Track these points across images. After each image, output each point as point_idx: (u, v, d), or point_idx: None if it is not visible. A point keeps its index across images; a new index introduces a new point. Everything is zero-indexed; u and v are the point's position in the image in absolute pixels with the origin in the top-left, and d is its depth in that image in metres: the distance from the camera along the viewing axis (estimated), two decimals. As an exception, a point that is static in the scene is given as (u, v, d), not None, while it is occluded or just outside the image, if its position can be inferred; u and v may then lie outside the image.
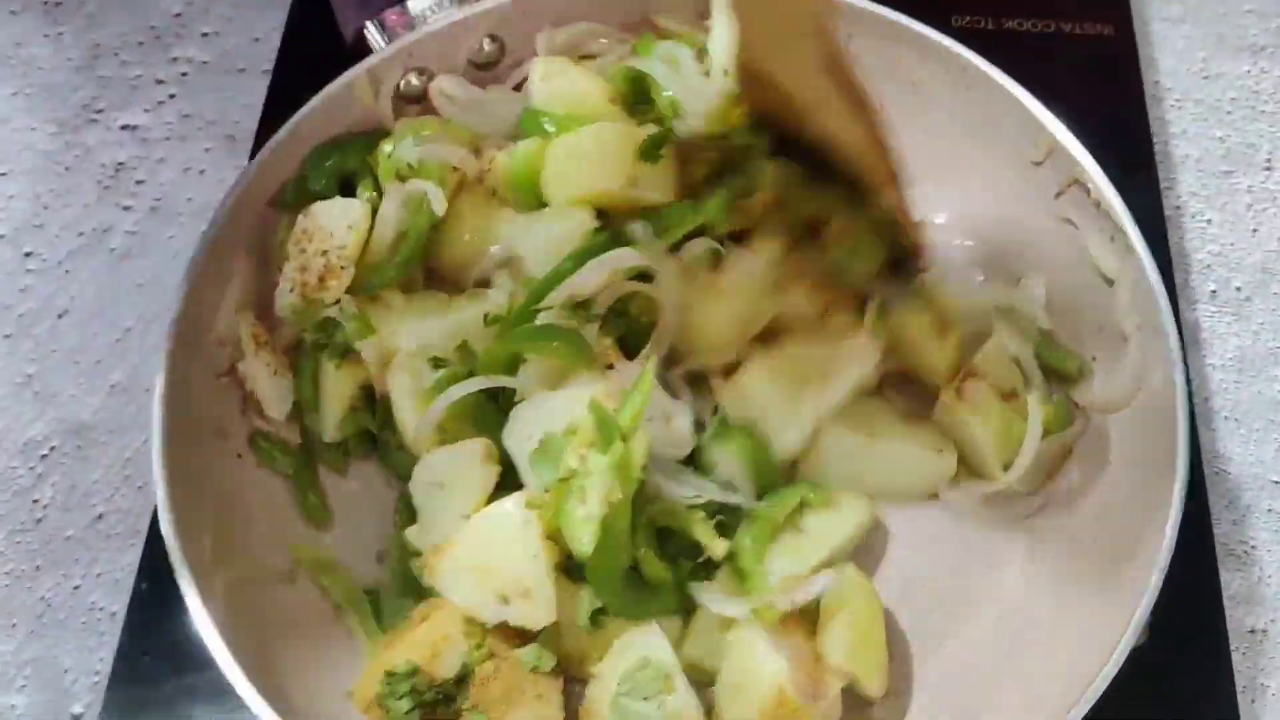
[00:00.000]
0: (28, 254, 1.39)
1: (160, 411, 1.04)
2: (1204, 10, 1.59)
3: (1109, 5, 1.53)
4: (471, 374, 1.12)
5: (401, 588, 1.12)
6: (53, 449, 1.28)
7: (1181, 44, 1.57)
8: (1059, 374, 1.21)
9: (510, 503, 1.04)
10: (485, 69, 1.28)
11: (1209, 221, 1.44)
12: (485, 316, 1.15)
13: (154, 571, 1.16)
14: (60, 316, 1.35)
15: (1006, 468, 1.16)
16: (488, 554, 1.02)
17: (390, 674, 1.01)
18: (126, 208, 1.42)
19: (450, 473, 1.09)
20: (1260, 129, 1.50)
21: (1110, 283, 1.18)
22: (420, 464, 1.11)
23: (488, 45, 1.27)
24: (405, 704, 1.01)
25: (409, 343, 1.14)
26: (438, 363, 1.14)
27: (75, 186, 1.44)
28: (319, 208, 1.17)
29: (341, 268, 1.14)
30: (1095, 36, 1.50)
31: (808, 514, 1.12)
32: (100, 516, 1.25)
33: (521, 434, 1.08)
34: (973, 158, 1.27)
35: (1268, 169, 1.47)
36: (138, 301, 1.36)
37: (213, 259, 1.12)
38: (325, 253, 1.14)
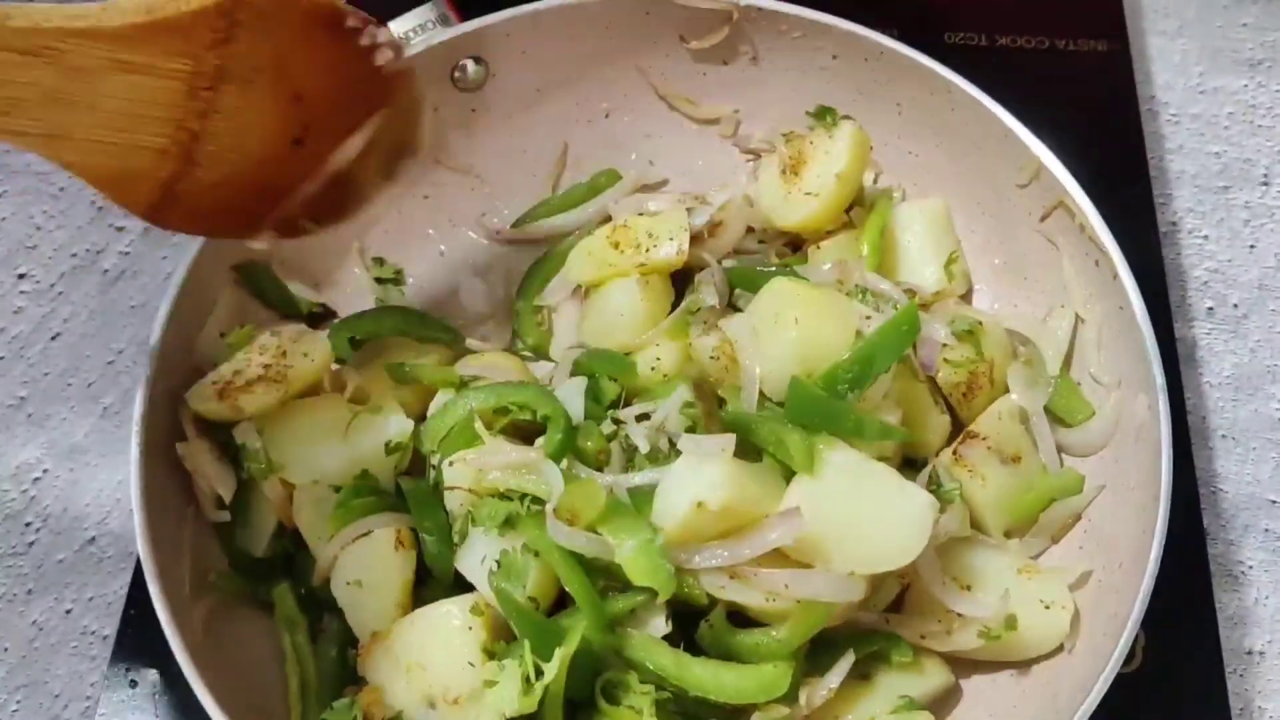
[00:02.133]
0: (21, 275, 1.39)
1: (138, 439, 1.04)
2: (1200, 25, 1.59)
3: (1104, 21, 1.52)
4: (374, 492, 1.10)
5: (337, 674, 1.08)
6: (45, 472, 1.28)
7: (1177, 59, 1.56)
8: (1062, 423, 1.18)
9: (456, 605, 1.01)
10: (469, 91, 1.28)
11: (1205, 238, 1.43)
12: (386, 445, 1.12)
13: (145, 596, 1.16)
14: (53, 339, 1.35)
15: (1008, 533, 1.14)
16: (422, 653, 1.00)
17: None
18: (120, 229, 1.42)
19: (366, 568, 1.06)
20: (1257, 144, 1.50)
21: (1082, 320, 1.18)
22: (334, 568, 1.07)
23: (472, 67, 1.27)
24: None
25: (307, 478, 1.09)
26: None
27: (69, 208, 1.44)
28: (293, 331, 1.15)
29: (274, 385, 1.10)
30: (1090, 52, 1.50)
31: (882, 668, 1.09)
32: (92, 540, 1.25)
33: (475, 554, 1.05)
34: (959, 178, 1.27)
35: (1265, 184, 1.47)
36: (130, 323, 1.36)
37: (195, 285, 1.13)
38: (267, 367, 1.11)
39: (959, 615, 1.05)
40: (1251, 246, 1.43)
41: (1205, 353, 1.36)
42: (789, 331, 1.07)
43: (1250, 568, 1.24)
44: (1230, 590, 1.23)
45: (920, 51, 1.22)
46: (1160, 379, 1.06)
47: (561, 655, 0.96)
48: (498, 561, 1.02)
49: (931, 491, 1.05)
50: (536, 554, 1.01)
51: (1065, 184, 1.15)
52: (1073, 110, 1.39)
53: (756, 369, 1.09)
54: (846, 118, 1.26)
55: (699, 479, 0.99)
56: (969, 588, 1.07)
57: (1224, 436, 1.31)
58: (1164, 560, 0.99)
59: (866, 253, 1.22)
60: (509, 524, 1.03)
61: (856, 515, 1.00)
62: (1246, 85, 1.54)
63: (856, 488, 1.01)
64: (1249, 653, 1.20)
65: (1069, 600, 1.07)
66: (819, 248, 1.25)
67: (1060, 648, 1.08)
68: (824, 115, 1.27)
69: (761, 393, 1.09)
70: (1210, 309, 1.39)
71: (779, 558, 1.00)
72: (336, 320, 1.22)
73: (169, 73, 0.86)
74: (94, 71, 0.82)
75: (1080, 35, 1.50)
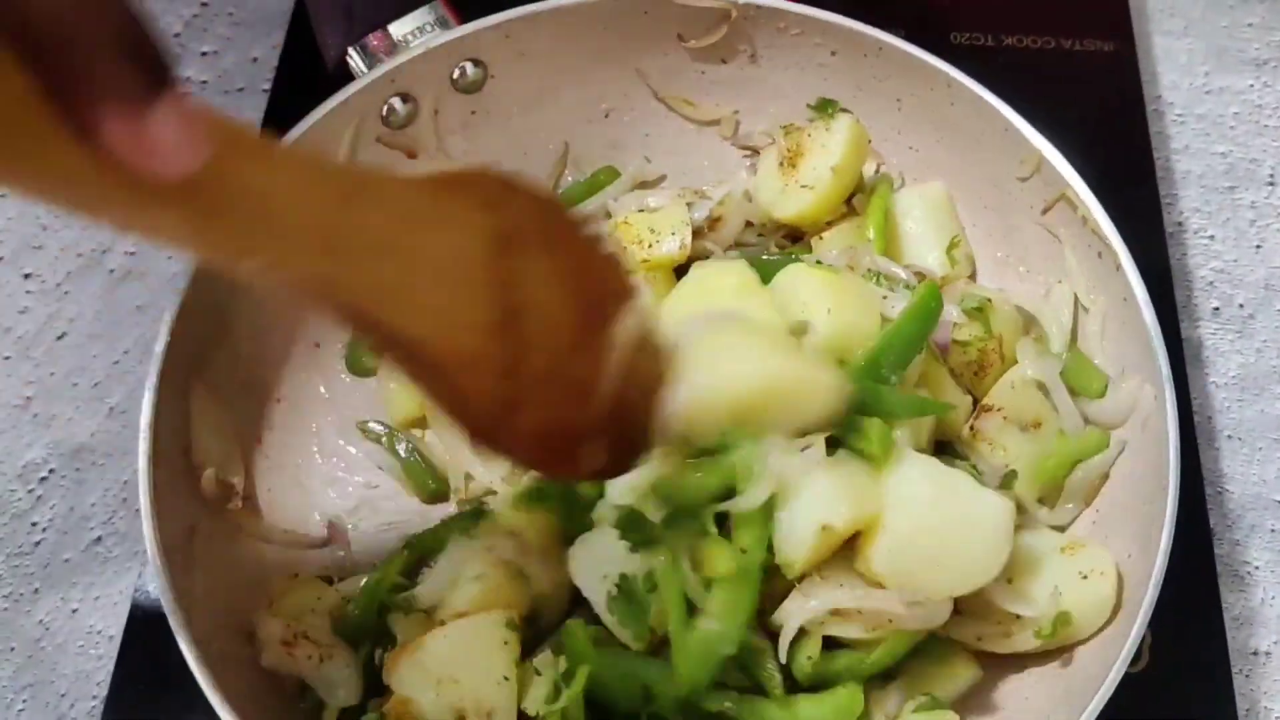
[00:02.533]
0: (26, 275, 1.39)
1: (146, 444, 1.04)
2: (1205, 24, 1.58)
3: (1110, 20, 1.52)
4: None
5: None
6: (51, 472, 1.28)
7: (1183, 59, 1.56)
8: (1079, 394, 1.17)
9: (491, 619, 1.00)
10: (469, 93, 1.28)
11: (1211, 238, 1.43)
12: None
13: (152, 595, 1.16)
14: (59, 338, 1.35)
15: (1041, 500, 1.13)
16: (455, 666, 0.97)
17: None
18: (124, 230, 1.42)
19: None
20: (1263, 144, 1.50)
21: (1085, 310, 1.18)
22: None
23: (471, 70, 1.27)
24: None
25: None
26: None
27: (74, 208, 1.44)
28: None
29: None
30: (1096, 52, 1.49)
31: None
32: (98, 539, 1.25)
33: (593, 568, 1.02)
34: (959, 172, 1.27)
35: (1271, 184, 1.47)
36: (137, 323, 1.36)
37: (201, 285, 1.12)
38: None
39: (1016, 616, 1.04)
40: (1258, 246, 1.42)
41: (1211, 353, 1.36)
42: (820, 320, 1.07)
43: (1256, 568, 1.24)
44: (1236, 590, 1.23)
45: (918, 47, 1.23)
46: (1166, 369, 1.06)
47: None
48: (618, 586, 0.99)
49: (973, 474, 1.05)
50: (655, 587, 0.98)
51: (1066, 176, 1.15)
52: (1079, 110, 1.38)
53: None
54: (845, 111, 1.26)
55: (815, 501, 0.97)
56: (1010, 580, 1.05)
57: (1230, 437, 1.31)
58: (1170, 560, 0.99)
59: (873, 237, 1.22)
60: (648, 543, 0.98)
61: (942, 529, 0.99)
62: (1253, 85, 1.54)
63: (939, 497, 1.00)
64: (1254, 653, 1.20)
65: (1109, 565, 1.06)
66: (821, 238, 1.25)
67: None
68: (824, 107, 1.27)
69: None
70: (1216, 309, 1.38)
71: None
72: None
73: (476, 224, 0.74)
74: (409, 218, 0.71)
75: (1086, 35, 1.50)
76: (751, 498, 0.95)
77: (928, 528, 0.99)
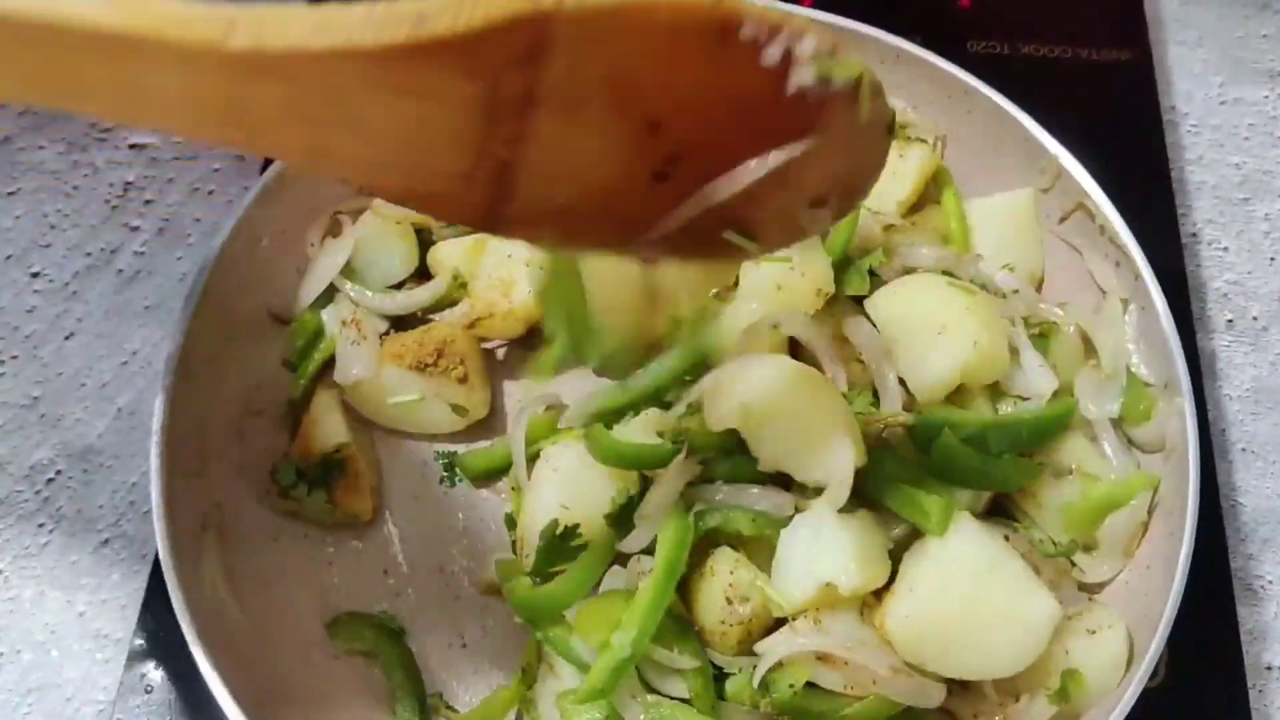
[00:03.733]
0: (35, 274, 1.38)
1: (159, 446, 1.03)
2: (1221, 36, 1.58)
3: (1126, 31, 1.51)
4: None
5: None
6: (59, 473, 1.27)
7: (1198, 69, 1.56)
8: (1125, 419, 1.13)
9: None
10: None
11: (1226, 249, 1.43)
12: None
13: (160, 598, 1.15)
14: (67, 338, 1.34)
15: (1088, 548, 1.09)
16: None
17: None
18: (134, 228, 1.41)
19: None
20: (1278, 155, 1.49)
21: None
22: None
23: None
24: None
25: None
26: None
27: (83, 206, 1.43)
28: None
29: None
30: (1112, 62, 1.49)
31: None
32: (106, 541, 1.24)
33: None
34: (978, 181, 1.26)
35: (1285, 196, 1.46)
36: (145, 323, 1.35)
37: (213, 289, 1.12)
38: None
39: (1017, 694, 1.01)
40: (1272, 259, 1.42)
41: (1225, 365, 1.35)
42: (943, 340, 1.06)
43: (1270, 582, 1.23)
44: (1250, 605, 1.22)
45: (935, 54, 1.22)
46: (1186, 381, 1.06)
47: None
48: None
49: (1028, 544, 1.05)
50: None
51: (1085, 185, 1.15)
52: (1093, 120, 1.38)
53: (892, 377, 1.08)
54: (921, 140, 1.25)
55: (826, 556, 0.97)
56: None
57: (1244, 450, 1.30)
58: (1187, 574, 0.99)
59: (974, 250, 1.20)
60: None
61: (976, 613, 0.97)
62: (1267, 96, 1.53)
63: (984, 579, 0.97)
64: (1269, 668, 1.19)
65: (1117, 620, 1.04)
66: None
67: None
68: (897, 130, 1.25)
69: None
70: (1230, 321, 1.38)
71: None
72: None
73: (453, 96, 0.70)
74: (350, 92, 0.68)
75: (1102, 45, 1.50)
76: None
77: (960, 608, 0.97)
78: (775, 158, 0.76)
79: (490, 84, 0.69)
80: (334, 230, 1.24)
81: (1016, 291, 1.17)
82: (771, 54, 0.71)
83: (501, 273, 1.21)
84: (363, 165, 0.74)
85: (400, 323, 1.25)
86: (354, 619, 1.13)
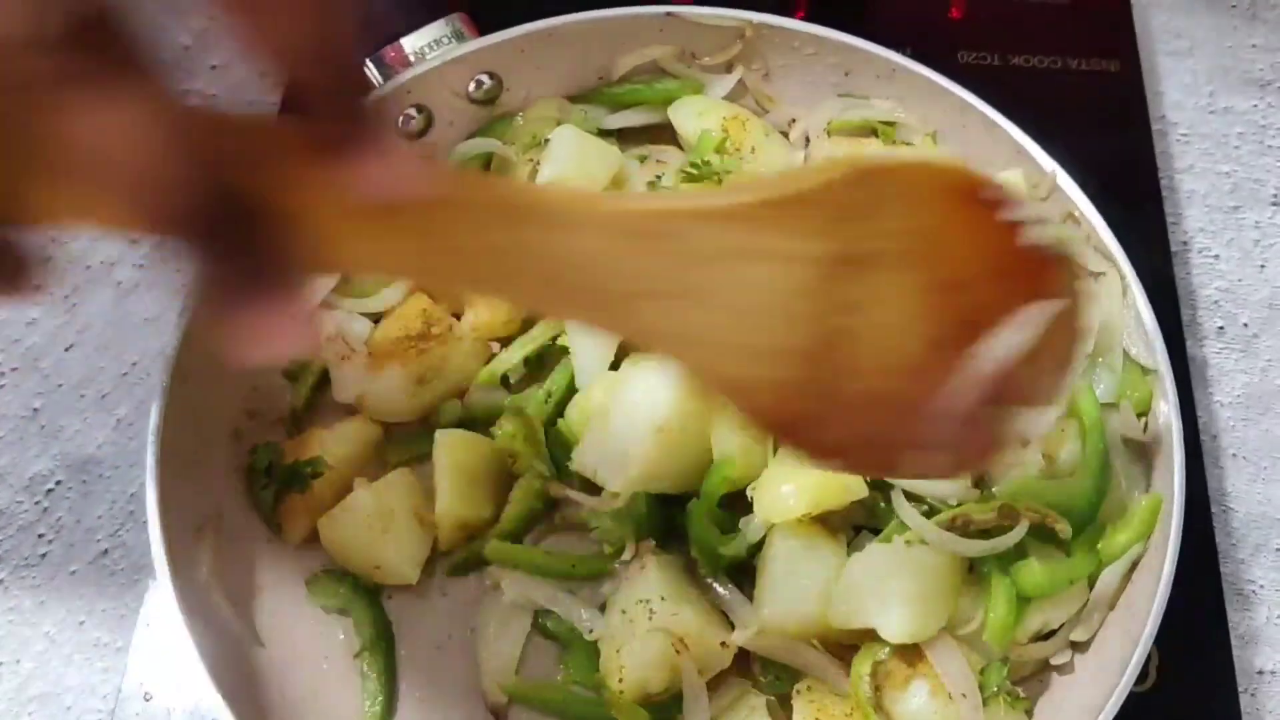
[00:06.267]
0: (34, 287, 1.39)
1: (154, 450, 1.04)
2: (1210, 45, 1.59)
3: (1115, 41, 1.53)
4: None
5: None
6: (58, 484, 1.28)
7: (1188, 79, 1.57)
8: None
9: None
10: (484, 104, 1.29)
11: (1216, 257, 1.44)
12: None
13: (158, 605, 1.16)
14: (66, 350, 1.36)
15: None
16: None
17: None
18: (134, 241, 1.43)
19: None
20: (1268, 164, 1.50)
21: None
22: None
23: (487, 81, 1.27)
24: None
25: None
26: None
27: (83, 220, 1.44)
28: None
29: None
30: (1101, 72, 1.50)
31: None
32: (105, 552, 1.25)
33: None
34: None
35: (1275, 204, 1.47)
36: (144, 335, 1.36)
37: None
38: None
39: None
40: (1262, 266, 1.43)
41: (1216, 372, 1.36)
42: None
43: (1261, 587, 1.24)
44: (1241, 609, 1.23)
45: (933, 70, 1.23)
46: (1173, 390, 1.07)
47: None
48: None
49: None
50: None
51: (1073, 195, 1.16)
52: (1084, 129, 1.39)
53: None
54: (907, 144, 1.26)
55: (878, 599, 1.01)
56: None
57: (1234, 455, 1.31)
58: (1176, 578, 1.00)
59: None
60: None
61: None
62: (1256, 105, 1.55)
63: None
64: (1260, 672, 1.20)
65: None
66: None
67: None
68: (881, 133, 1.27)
69: None
70: (1221, 328, 1.39)
71: None
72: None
73: (799, 255, 0.67)
74: (712, 258, 0.65)
75: (1091, 55, 1.51)
76: None
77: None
78: (1041, 312, 0.74)
79: (831, 240, 0.68)
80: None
81: None
82: (1012, 213, 0.72)
83: None
84: (713, 350, 0.69)
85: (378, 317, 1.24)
86: (329, 575, 1.14)
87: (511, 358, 1.19)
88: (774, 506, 1.03)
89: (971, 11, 1.54)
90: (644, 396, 1.05)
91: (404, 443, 1.20)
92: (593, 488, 1.09)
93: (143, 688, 1.13)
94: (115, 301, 1.39)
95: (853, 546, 1.06)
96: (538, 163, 1.21)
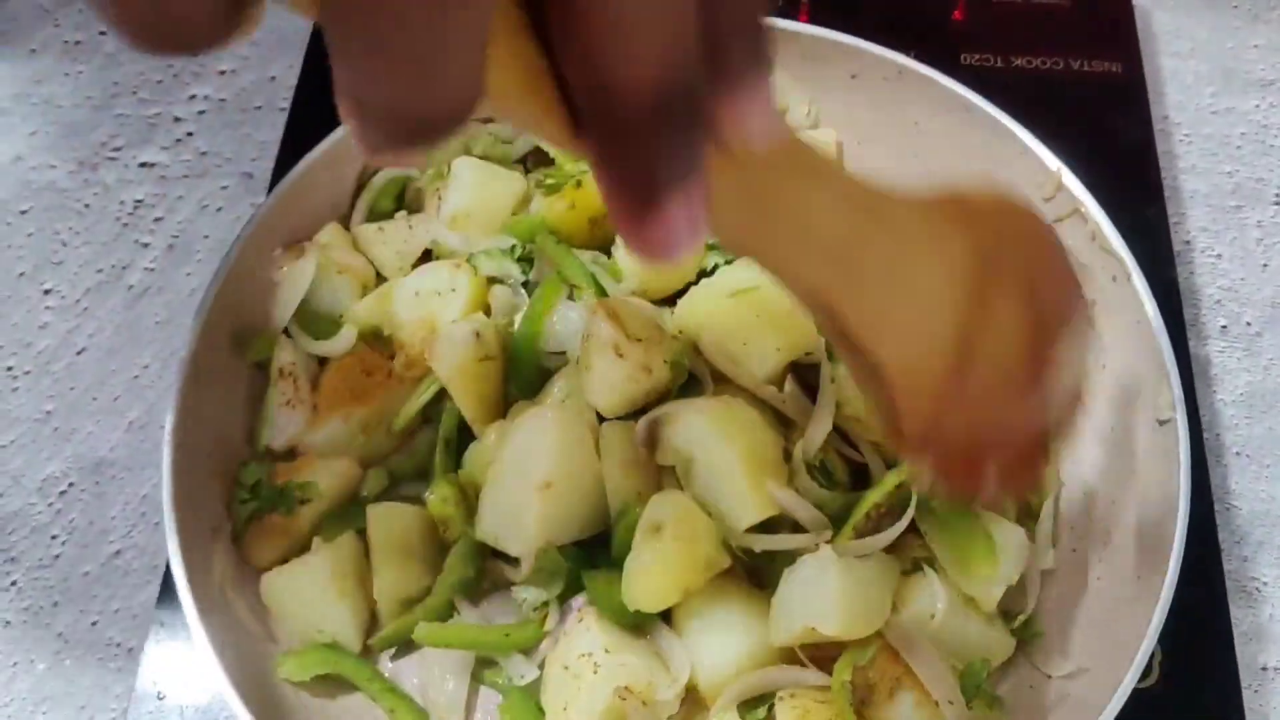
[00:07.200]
0: (47, 291, 1.41)
1: (170, 451, 1.05)
2: (1212, 46, 1.60)
3: (1117, 42, 1.54)
4: None
5: None
6: (71, 485, 1.29)
7: (1190, 79, 1.58)
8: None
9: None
10: (487, 120, 1.30)
11: (1219, 256, 1.45)
12: None
13: (171, 608, 1.17)
14: (79, 353, 1.37)
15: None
16: None
17: None
18: (145, 245, 1.44)
19: None
20: (1270, 163, 1.51)
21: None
22: None
23: None
24: None
25: None
26: None
27: (94, 224, 1.46)
28: None
29: None
30: (1103, 73, 1.51)
31: None
32: (118, 553, 1.26)
33: None
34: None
35: (1277, 203, 1.48)
36: (156, 338, 1.38)
37: (221, 298, 1.14)
38: None
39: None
40: (1264, 265, 1.44)
41: (1219, 370, 1.37)
42: None
43: (1265, 584, 1.25)
44: (1244, 607, 1.23)
45: (937, 71, 1.24)
46: (1179, 389, 1.07)
47: None
48: None
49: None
50: None
51: (1078, 194, 1.17)
52: (1087, 131, 1.40)
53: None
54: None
55: (810, 601, 1.01)
56: None
57: (1238, 454, 1.32)
58: (1180, 576, 1.00)
59: None
60: None
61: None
62: (1258, 105, 1.55)
63: None
64: (1264, 669, 1.21)
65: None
66: None
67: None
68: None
69: None
70: (1224, 327, 1.40)
71: None
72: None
73: (961, 260, 0.68)
74: (915, 240, 0.66)
75: (1094, 56, 1.52)
76: None
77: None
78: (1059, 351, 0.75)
79: (975, 256, 0.68)
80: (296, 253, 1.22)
81: None
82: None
83: (419, 313, 1.19)
84: (892, 331, 0.68)
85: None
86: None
87: (409, 410, 1.16)
88: (646, 600, 1.01)
89: (974, 13, 1.55)
90: (522, 455, 1.04)
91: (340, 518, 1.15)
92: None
93: (156, 687, 1.14)
94: (126, 305, 1.40)
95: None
96: (441, 193, 1.24)
